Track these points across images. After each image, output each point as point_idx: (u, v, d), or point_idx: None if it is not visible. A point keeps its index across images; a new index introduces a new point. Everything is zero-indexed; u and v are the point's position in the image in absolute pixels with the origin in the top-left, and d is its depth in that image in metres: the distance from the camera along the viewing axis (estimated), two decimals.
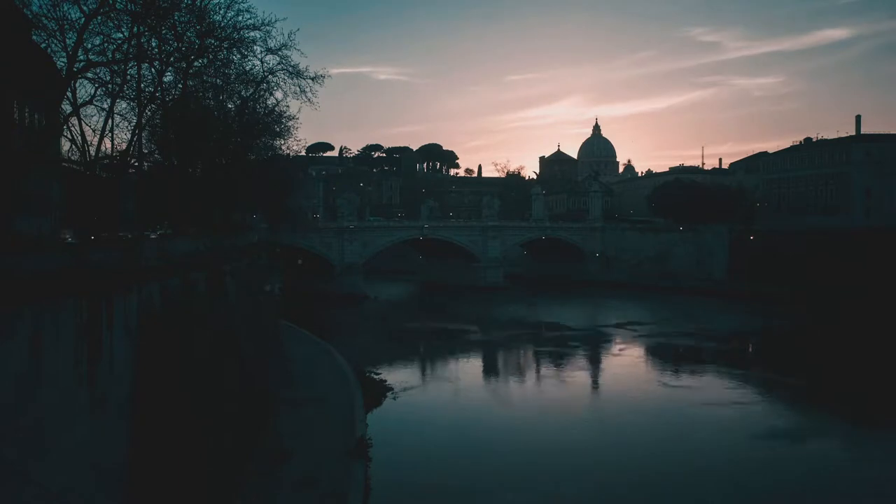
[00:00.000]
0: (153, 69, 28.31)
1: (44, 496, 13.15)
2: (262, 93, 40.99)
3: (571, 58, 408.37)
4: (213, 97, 37.34)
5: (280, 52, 35.44)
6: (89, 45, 22.98)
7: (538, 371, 54.73)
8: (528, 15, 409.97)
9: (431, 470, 30.56)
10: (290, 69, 36.94)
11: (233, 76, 35.78)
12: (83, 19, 21.56)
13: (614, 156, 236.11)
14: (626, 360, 57.27)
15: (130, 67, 25.17)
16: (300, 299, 78.26)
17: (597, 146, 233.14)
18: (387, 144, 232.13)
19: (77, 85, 23.96)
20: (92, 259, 16.54)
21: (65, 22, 21.80)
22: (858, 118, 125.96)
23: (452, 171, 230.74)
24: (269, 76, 38.08)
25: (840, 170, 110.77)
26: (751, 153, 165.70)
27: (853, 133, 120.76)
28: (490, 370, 56.31)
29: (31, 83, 23.01)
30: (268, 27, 32.68)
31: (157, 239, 26.86)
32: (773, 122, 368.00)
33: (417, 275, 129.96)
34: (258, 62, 36.06)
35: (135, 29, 23.95)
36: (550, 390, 47.23)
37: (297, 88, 37.71)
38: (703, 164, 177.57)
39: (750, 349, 62.21)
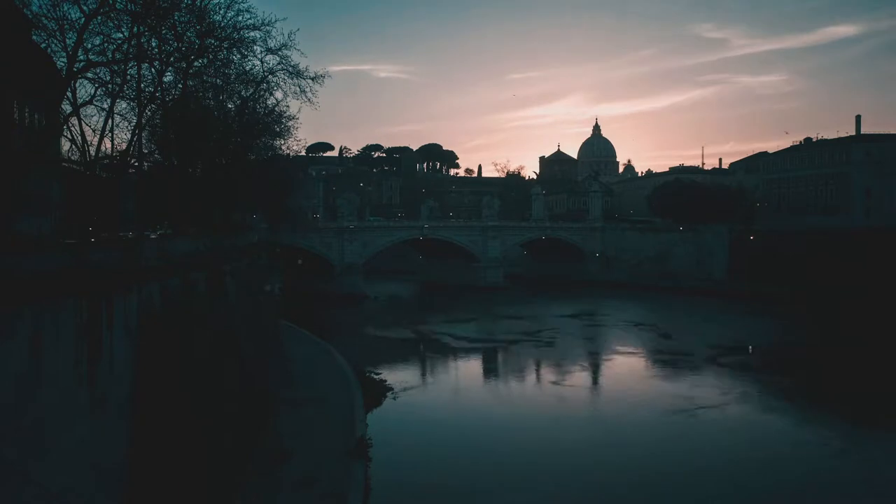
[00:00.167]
0: (153, 69, 28.30)
1: (44, 496, 13.15)
2: (262, 93, 41.01)
3: (572, 56, 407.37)
4: (213, 97, 37.33)
5: (280, 52, 35.47)
6: (89, 45, 23.01)
7: (538, 371, 54.72)
8: (529, 13, 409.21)
9: (431, 470, 30.57)
10: (290, 69, 36.96)
11: (233, 76, 35.78)
12: (83, 19, 21.56)
13: (614, 156, 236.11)
14: (625, 360, 57.24)
15: (130, 67, 25.18)
16: (300, 299, 78.27)
17: (597, 146, 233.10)
18: (387, 144, 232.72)
19: (77, 85, 23.99)
20: (92, 259, 16.54)
21: (65, 22, 21.81)
22: (858, 118, 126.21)
23: (452, 171, 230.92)
24: (269, 76, 38.09)
25: (840, 170, 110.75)
26: (752, 153, 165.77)
27: (853, 133, 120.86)
28: (490, 370, 56.32)
29: (31, 83, 23.00)
30: (268, 27, 32.70)
31: (157, 239, 26.84)
32: (776, 121, 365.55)
33: (417, 275, 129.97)
34: (258, 62, 36.08)
35: (135, 29, 23.94)
36: (550, 390, 47.22)
37: (297, 88, 37.74)
38: (703, 164, 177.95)
39: (750, 349, 62.17)
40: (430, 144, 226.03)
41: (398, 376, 49.13)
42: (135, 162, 30.99)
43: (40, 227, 25.77)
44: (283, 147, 54.08)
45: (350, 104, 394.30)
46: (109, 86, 24.75)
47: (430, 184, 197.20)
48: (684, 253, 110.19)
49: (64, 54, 21.97)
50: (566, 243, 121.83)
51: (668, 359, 56.81)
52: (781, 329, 70.85)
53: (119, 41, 24.02)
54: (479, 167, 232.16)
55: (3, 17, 19.55)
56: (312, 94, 38.10)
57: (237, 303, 34.55)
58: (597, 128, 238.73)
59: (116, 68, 24.53)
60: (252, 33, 32.02)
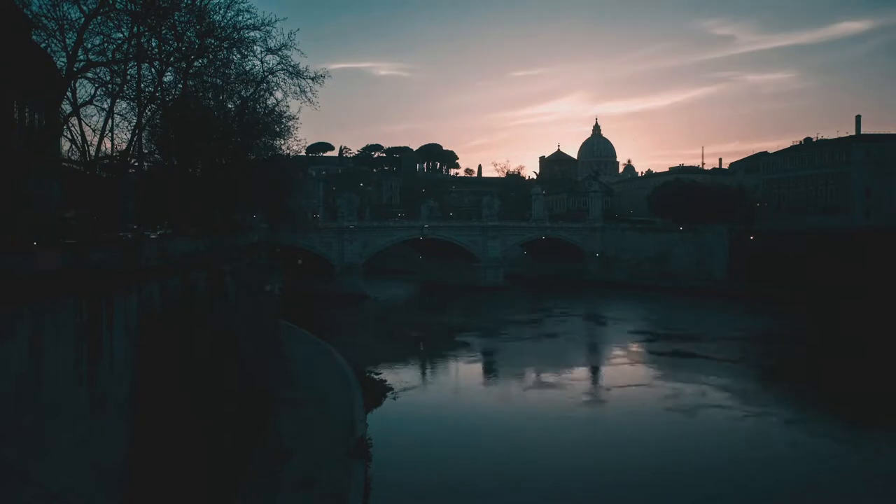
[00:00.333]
0: (153, 69, 28.31)
1: (44, 496, 13.15)
2: (262, 93, 41.02)
3: (575, 53, 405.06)
4: (213, 97, 37.32)
5: (280, 52, 35.48)
6: (89, 45, 23.02)
7: (538, 371, 54.69)
8: (532, 9, 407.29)
9: (431, 470, 30.56)
10: (290, 69, 36.98)
11: (233, 76, 35.76)
12: (83, 19, 21.56)
13: (614, 156, 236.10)
14: (625, 360, 57.24)
15: (130, 67, 25.19)
16: (300, 299, 78.28)
17: (597, 146, 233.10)
18: (387, 143, 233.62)
19: (77, 85, 23.99)
20: (92, 259, 16.54)
21: (65, 22, 21.82)
22: (858, 118, 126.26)
23: (452, 171, 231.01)
24: (269, 76, 38.11)
25: (840, 170, 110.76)
26: (754, 153, 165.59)
27: (853, 133, 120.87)
28: (490, 370, 56.29)
29: (31, 83, 23.00)
30: (268, 27, 32.72)
31: (157, 239, 26.85)
32: (780, 120, 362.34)
33: (417, 275, 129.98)
34: (258, 62, 36.10)
35: (135, 29, 23.95)
36: (550, 390, 47.19)
37: (297, 88, 37.76)
38: (703, 163, 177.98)
39: (750, 349, 62.14)
40: (430, 144, 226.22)
41: (398, 376, 49.14)
42: (135, 162, 31.00)
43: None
44: (283, 147, 54.15)
45: (350, 102, 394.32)
46: (109, 86, 24.76)
47: (430, 184, 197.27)
48: (684, 253, 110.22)
49: (64, 54, 21.98)
50: (566, 243, 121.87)
51: (667, 358, 56.77)
52: (781, 329, 70.82)
53: (119, 41, 24.05)
54: (479, 167, 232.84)
55: (3, 17, 19.56)
56: (312, 94, 38.16)
57: (237, 303, 34.55)
58: (597, 128, 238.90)
59: (116, 68, 24.53)
60: (252, 33, 32.08)
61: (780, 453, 32.95)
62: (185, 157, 34.70)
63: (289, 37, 35.14)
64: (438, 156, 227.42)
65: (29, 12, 21.54)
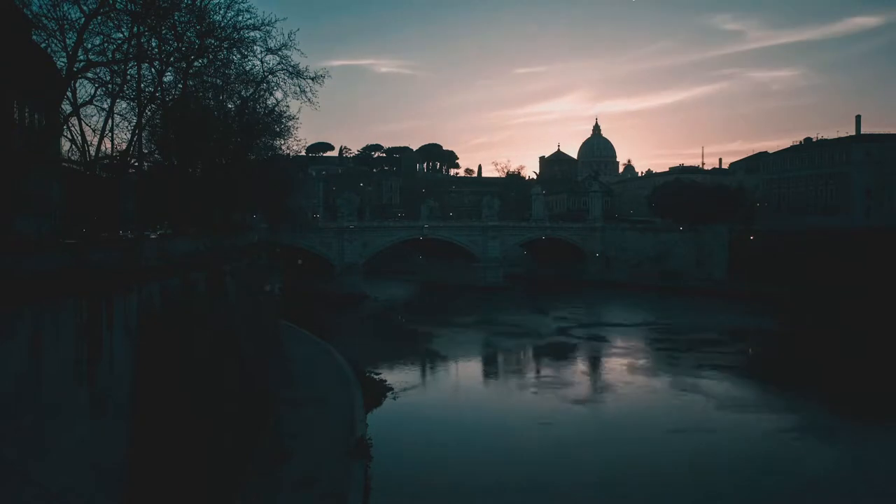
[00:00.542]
0: (153, 69, 28.28)
1: (44, 496, 13.15)
2: (262, 93, 40.95)
3: (577, 51, 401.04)
4: (213, 97, 37.29)
5: (280, 52, 35.39)
6: (89, 45, 22.97)
7: (538, 371, 54.73)
8: (532, 6, 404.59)
9: (431, 469, 30.59)
10: (290, 69, 36.90)
11: (233, 76, 35.72)
12: (83, 19, 21.53)
13: (614, 156, 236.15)
14: (626, 360, 57.20)
15: (130, 67, 25.14)
16: (300, 299, 78.30)
17: (597, 146, 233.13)
18: (387, 142, 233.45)
19: (77, 85, 23.94)
20: (92, 259, 16.53)
21: (65, 22, 21.77)
22: (858, 118, 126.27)
23: (452, 171, 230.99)
24: (269, 76, 38.02)
25: (840, 170, 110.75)
26: (754, 153, 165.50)
27: (853, 133, 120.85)
28: (490, 370, 56.32)
29: (31, 83, 22.99)
30: (268, 27, 32.63)
31: (157, 239, 26.85)
32: (781, 120, 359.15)
33: (417, 275, 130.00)
34: (258, 62, 36.00)
35: (135, 29, 23.91)
36: (550, 390, 47.19)
37: (297, 88, 37.69)
38: (703, 163, 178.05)
39: (750, 349, 62.18)
40: (430, 144, 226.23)
41: (398, 376, 49.15)
42: (135, 162, 30.97)
43: (40, 227, 25.76)
44: (283, 147, 54.13)
45: (350, 100, 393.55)
46: (109, 86, 24.73)
47: (430, 184, 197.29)
48: (684, 253, 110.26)
49: (64, 54, 21.94)
50: (566, 243, 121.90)
51: (668, 359, 56.80)
52: (781, 329, 70.84)
53: (119, 41, 24.00)
54: (479, 167, 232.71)
55: (3, 17, 19.55)
56: (312, 93, 38.08)
57: (237, 303, 34.55)
58: (597, 127, 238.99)
59: (116, 68, 24.50)
60: (252, 33, 32.00)
61: (780, 453, 32.98)
62: (185, 157, 34.67)
63: (289, 37, 35.11)
64: (438, 156, 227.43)
65: (29, 12, 21.52)
